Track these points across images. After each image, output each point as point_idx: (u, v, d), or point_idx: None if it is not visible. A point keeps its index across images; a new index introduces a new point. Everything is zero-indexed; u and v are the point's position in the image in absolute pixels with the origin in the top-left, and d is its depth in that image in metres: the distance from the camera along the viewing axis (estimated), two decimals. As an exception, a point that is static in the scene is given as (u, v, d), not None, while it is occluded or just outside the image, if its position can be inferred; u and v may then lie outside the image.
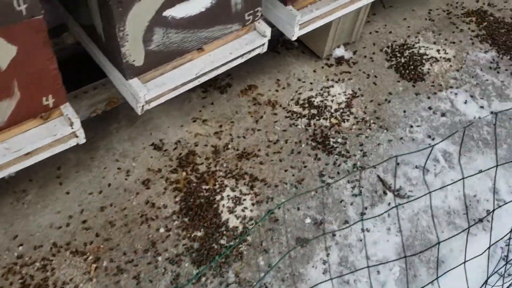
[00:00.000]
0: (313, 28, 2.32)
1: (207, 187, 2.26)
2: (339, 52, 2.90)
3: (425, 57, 2.98)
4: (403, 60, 2.94)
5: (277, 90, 2.72)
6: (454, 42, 3.10)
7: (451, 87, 2.85)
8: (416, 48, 3.02)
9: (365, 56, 2.95)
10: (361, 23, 2.80)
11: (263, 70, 2.81)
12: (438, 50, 3.03)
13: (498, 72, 2.96)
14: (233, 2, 1.86)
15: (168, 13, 1.68)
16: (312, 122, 2.58)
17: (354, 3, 2.30)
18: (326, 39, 2.71)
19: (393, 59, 2.95)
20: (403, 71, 2.88)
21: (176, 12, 1.70)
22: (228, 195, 2.24)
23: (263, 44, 2.06)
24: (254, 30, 2.05)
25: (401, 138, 2.57)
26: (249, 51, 2.01)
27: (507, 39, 3.15)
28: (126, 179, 2.28)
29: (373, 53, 2.98)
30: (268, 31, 2.03)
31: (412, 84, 2.83)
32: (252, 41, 2.01)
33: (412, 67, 2.90)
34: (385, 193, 2.35)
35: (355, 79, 2.82)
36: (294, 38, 2.21)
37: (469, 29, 3.20)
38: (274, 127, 2.54)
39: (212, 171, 2.32)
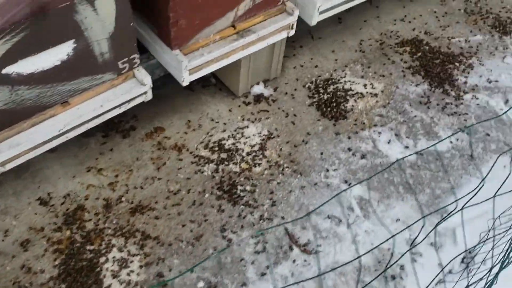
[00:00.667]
0: (208, 72, 2.15)
1: (92, 247, 2.06)
2: (258, 89, 2.74)
3: (350, 92, 2.82)
4: (326, 97, 2.78)
5: (186, 133, 2.54)
6: (383, 75, 2.95)
7: (375, 125, 2.69)
8: (341, 83, 2.87)
9: (286, 93, 2.79)
10: (279, 59, 2.64)
11: (174, 109, 2.64)
12: (365, 85, 2.88)
13: (428, 108, 2.81)
14: (97, 52, 1.69)
15: (10, 70, 1.51)
16: (220, 167, 2.40)
17: (255, 44, 2.15)
18: (238, 78, 2.55)
19: (316, 95, 2.79)
20: (324, 109, 2.72)
21: (21, 68, 1.52)
22: (114, 257, 2.04)
23: (145, 93, 1.89)
24: (134, 78, 1.89)
25: (315, 184, 2.40)
26: (127, 101, 1.84)
27: (441, 70, 3.01)
28: (3, 240, 2.07)
29: (295, 90, 2.82)
30: (147, 79, 1.86)
31: (333, 123, 2.67)
32: (128, 91, 1.83)
33: (334, 104, 2.74)
34: (291, 248, 2.17)
35: (273, 118, 2.66)
36: (185, 84, 2.04)
37: (401, 60, 3.05)
38: (177, 175, 2.36)
39: (100, 229, 2.12)
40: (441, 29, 3.28)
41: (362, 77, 2.92)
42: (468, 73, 3.01)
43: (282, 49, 2.62)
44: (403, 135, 2.65)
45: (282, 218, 2.25)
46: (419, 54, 3.09)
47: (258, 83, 2.73)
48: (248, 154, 2.45)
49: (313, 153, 2.51)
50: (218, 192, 2.30)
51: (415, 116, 2.74)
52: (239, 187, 2.32)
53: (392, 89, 2.88)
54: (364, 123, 2.68)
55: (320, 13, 2.33)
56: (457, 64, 3.05)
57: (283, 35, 2.24)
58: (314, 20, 2.34)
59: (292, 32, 2.35)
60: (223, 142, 2.49)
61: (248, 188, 2.33)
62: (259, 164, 2.42)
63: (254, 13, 2.11)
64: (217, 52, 2.02)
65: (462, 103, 2.84)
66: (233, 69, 2.50)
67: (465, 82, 2.95)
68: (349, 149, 2.54)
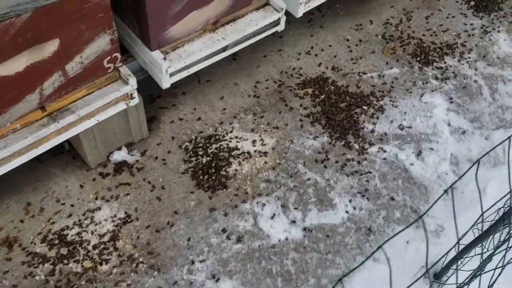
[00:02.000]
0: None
1: None
2: (120, 156, 2.29)
3: (235, 152, 2.39)
4: (205, 160, 2.36)
5: (22, 221, 2.09)
6: (277, 127, 2.53)
7: (259, 194, 2.28)
8: (226, 140, 2.44)
9: (157, 158, 2.36)
10: (139, 122, 2.21)
11: (15, 188, 2.19)
12: (254, 141, 2.45)
13: (325, 167, 2.41)
14: None
15: None
16: (58, 268, 1.97)
17: (77, 125, 1.71)
18: (82, 149, 2.11)
19: (193, 159, 2.36)
20: (201, 177, 2.29)
21: None
22: None
23: None
24: None
25: (175, 283, 1.99)
26: None
27: (345, 116, 2.60)
28: None
29: (169, 152, 2.38)
30: None
31: (210, 194, 2.25)
32: None
33: (214, 170, 2.31)
34: None
35: (135, 194, 2.23)
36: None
37: (301, 105, 2.63)
38: (1, 281, 1.95)
39: None
40: (352, 63, 2.87)
41: (252, 130, 2.50)
42: (378, 118, 2.61)
43: (140, 112, 2.18)
44: (291, 206, 2.25)
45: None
46: (323, 96, 2.68)
47: (119, 148, 2.31)
48: (95, 247, 2.02)
49: (178, 240, 2.09)
50: (50, 302, 1.90)
51: (309, 179, 2.34)
52: (79, 294, 1.92)
53: (286, 144, 2.47)
54: (247, 193, 2.27)
55: (172, 74, 1.91)
56: (365, 107, 2.65)
57: (120, 107, 1.82)
58: (165, 83, 1.91)
59: (134, 102, 1.91)
60: (66, 232, 2.05)
61: (89, 294, 1.93)
62: (107, 261, 2.00)
63: (71, 87, 1.68)
64: (16, 146, 1.59)
65: (365, 159, 2.44)
66: (76, 139, 2.07)
67: (373, 131, 2.56)
68: (224, 231, 2.13)
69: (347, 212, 2.24)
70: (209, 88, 2.65)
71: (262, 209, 2.20)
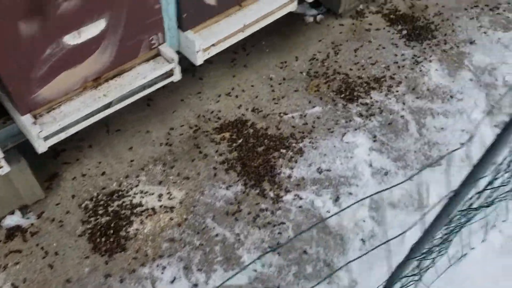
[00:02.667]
0: None
1: None
2: (12, 220, 2.13)
3: (138, 209, 2.24)
4: (104, 220, 2.20)
5: None
6: (188, 177, 2.39)
7: (160, 256, 2.13)
8: (130, 196, 2.29)
9: (54, 220, 2.20)
10: (28, 184, 2.08)
11: None
12: (160, 195, 2.31)
13: (236, 219, 2.27)
14: None
15: None
16: None
17: None
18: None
19: (92, 218, 2.21)
20: (98, 239, 2.14)
21: None
22: None
23: None
24: None
25: None
26: None
27: (262, 162, 2.47)
28: None
29: (68, 213, 2.24)
30: None
31: (107, 259, 2.08)
32: None
33: (113, 231, 2.15)
34: None
35: (25, 262, 2.07)
36: None
37: (216, 152, 2.51)
38: None
39: None
40: (274, 103, 2.76)
41: (160, 183, 2.36)
42: (296, 161, 2.48)
43: (27, 175, 2.03)
44: (195, 267, 2.10)
45: None
46: (240, 141, 2.55)
47: (12, 212, 2.17)
48: (-28, 327, 1.89)
49: (66, 312, 1.96)
50: None
51: (217, 235, 2.20)
52: None
53: (196, 196, 2.34)
54: (147, 255, 2.12)
55: (47, 138, 1.79)
56: (283, 151, 2.52)
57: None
58: (40, 147, 1.79)
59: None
60: None
61: None
62: None
63: None
64: None
65: (280, 208, 2.31)
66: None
67: (290, 176, 2.43)
68: (117, 300, 2.00)
69: (255, 270, 2.10)
70: (118, 138, 2.52)
71: (162, 273, 2.05)
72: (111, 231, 2.14)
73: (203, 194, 2.32)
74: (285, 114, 2.67)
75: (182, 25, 2.06)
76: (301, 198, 2.33)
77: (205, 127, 2.59)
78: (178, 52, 2.18)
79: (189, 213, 2.25)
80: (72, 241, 2.12)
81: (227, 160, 2.46)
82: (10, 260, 2.04)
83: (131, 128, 2.56)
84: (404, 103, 2.77)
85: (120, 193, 2.29)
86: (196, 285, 2.03)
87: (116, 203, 2.25)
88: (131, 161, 2.42)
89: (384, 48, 3.08)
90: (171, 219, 2.22)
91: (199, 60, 2.13)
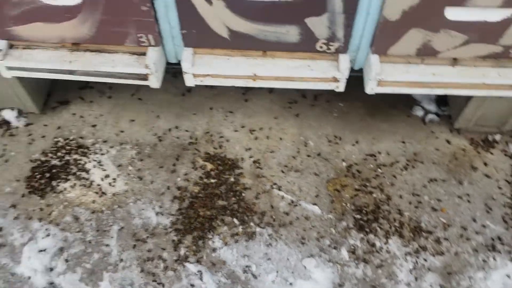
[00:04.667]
0: None
1: None
2: (8, 115, 2.40)
3: (82, 174, 2.23)
4: (54, 162, 2.26)
5: None
6: (141, 179, 2.22)
7: (57, 224, 2.10)
8: (89, 158, 2.29)
9: (30, 135, 2.37)
10: (23, 94, 2.27)
11: None
12: (107, 176, 2.23)
13: (134, 247, 2.04)
14: None
15: None
16: None
17: None
18: None
19: (50, 155, 2.29)
20: (37, 174, 2.23)
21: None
22: None
23: None
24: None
25: None
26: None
27: (209, 217, 2.11)
28: None
29: (43, 137, 2.37)
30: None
31: (26, 193, 2.18)
32: None
33: (50, 175, 2.21)
34: None
35: (-13, 151, 2.36)
36: None
37: (185, 175, 2.24)
38: None
39: None
40: (281, 170, 2.26)
41: (118, 166, 2.27)
42: (236, 242, 2.04)
43: (19, 88, 2.23)
44: (68, 255, 2.02)
45: None
46: (213, 181, 2.23)
47: (13, 109, 2.44)
48: None
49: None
50: None
51: (107, 246, 2.04)
52: None
53: (129, 200, 2.17)
54: (50, 214, 2.13)
55: (10, 69, 1.90)
56: (237, 223, 2.10)
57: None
58: (4, 74, 1.95)
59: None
60: None
61: None
62: None
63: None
64: None
65: (175, 270, 1.99)
66: None
67: (215, 250, 2.03)
68: None
69: (98, 301, 1.96)
70: (134, 106, 2.50)
71: (43, 238, 2.05)
72: (49, 175, 2.28)
73: (135, 202, 2.21)
74: (279, 189, 2.24)
75: (183, 40, 1.85)
76: (201, 280, 2.01)
77: (201, 146, 2.39)
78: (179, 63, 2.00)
79: (109, 209, 2.19)
80: (24, 161, 2.34)
81: (185, 189, 2.24)
82: (-19, 142, 2.41)
83: (156, 106, 2.53)
84: None
85: (86, 151, 2.36)
86: (51, 269, 2.04)
87: (75, 156, 2.34)
88: (121, 131, 2.44)
89: (470, 202, 2.20)
90: (94, 202, 2.20)
91: (187, 81, 1.91)
